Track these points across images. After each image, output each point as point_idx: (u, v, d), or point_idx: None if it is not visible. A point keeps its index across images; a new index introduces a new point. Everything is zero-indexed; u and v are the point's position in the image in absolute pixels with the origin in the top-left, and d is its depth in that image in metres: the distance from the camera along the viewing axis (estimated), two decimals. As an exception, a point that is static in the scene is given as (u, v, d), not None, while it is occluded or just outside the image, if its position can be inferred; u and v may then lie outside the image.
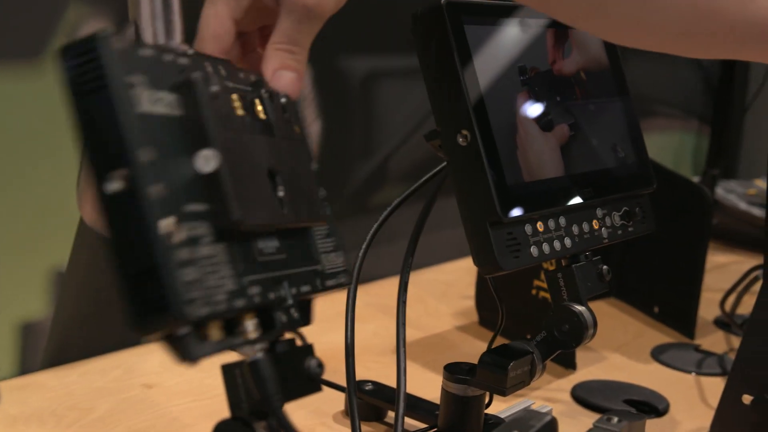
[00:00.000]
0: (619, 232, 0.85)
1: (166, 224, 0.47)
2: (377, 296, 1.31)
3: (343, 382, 0.91)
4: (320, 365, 0.58)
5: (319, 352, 1.10)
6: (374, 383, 0.99)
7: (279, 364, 0.55)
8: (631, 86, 0.90)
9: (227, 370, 0.56)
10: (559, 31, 0.83)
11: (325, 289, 0.61)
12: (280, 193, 0.56)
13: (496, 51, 0.76)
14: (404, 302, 0.89)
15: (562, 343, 0.80)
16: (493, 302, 0.85)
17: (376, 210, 1.08)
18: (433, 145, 0.76)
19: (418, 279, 1.45)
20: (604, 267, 0.82)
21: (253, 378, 0.53)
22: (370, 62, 1.33)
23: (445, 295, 1.40)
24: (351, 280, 0.65)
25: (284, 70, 0.62)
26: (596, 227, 0.82)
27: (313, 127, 1.28)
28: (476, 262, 0.74)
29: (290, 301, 0.56)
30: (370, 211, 1.41)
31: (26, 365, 1.03)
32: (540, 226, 0.76)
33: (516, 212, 0.73)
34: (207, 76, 0.53)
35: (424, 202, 0.82)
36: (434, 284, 1.45)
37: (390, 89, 1.36)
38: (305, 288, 0.58)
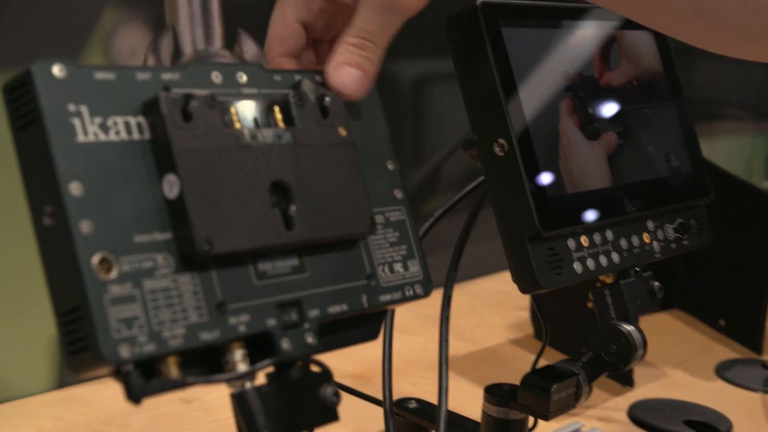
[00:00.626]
0: (673, 245, 0.79)
1: (96, 260, 0.45)
2: (430, 308, 1.26)
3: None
4: (336, 394, 0.54)
5: (366, 364, 1.07)
6: (418, 401, 0.95)
7: (291, 393, 0.52)
8: (696, 88, 0.85)
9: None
10: (608, 34, 0.78)
11: (379, 304, 0.57)
12: (292, 208, 0.52)
13: (537, 55, 0.71)
14: (447, 318, 0.86)
15: (610, 364, 0.75)
16: (550, 315, 0.81)
17: (428, 219, 1.04)
18: (470, 155, 0.72)
19: (472, 289, 1.41)
20: (656, 283, 0.77)
21: (240, 412, 0.50)
22: (420, 66, 1.29)
23: (500, 306, 1.35)
24: (429, 290, 0.61)
25: (349, 66, 0.57)
26: (647, 241, 0.77)
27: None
28: (514, 279, 0.69)
29: (307, 325, 0.53)
30: (422, 219, 1.37)
31: (63, 379, 1.01)
32: (584, 240, 0.72)
33: (557, 226, 0.69)
34: (176, 96, 0.50)
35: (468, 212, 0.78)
36: (489, 294, 1.40)
37: (442, 94, 1.32)
38: (336, 308, 0.55)
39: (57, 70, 0.47)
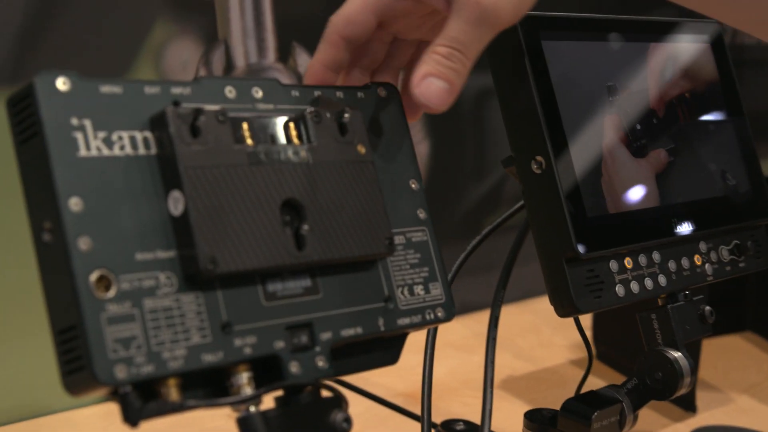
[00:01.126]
0: (728, 268, 0.76)
1: (94, 277, 0.44)
2: (485, 324, 1.24)
3: (439, 418, 0.85)
4: (347, 420, 0.52)
5: (417, 383, 1.05)
6: (466, 423, 0.93)
7: (299, 418, 0.50)
8: (759, 101, 0.81)
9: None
10: (659, 47, 0.75)
11: (397, 328, 0.55)
12: (304, 227, 0.51)
13: (580, 69, 0.69)
14: (494, 338, 0.83)
15: (655, 392, 0.72)
16: (612, 335, 0.78)
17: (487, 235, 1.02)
18: (510, 172, 0.69)
19: (536, 307, 1.38)
20: (707, 308, 0.74)
21: None
22: (482, 78, 1.27)
23: (562, 326, 1.31)
24: (451, 314, 0.59)
25: (435, 78, 0.54)
26: (698, 263, 0.73)
27: (421, 147, 1.22)
28: (551, 301, 0.67)
29: (318, 349, 0.51)
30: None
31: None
32: (628, 262, 0.69)
33: (597, 247, 0.66)
34: (184, 110, 0.48)
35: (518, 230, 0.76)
36: (551, 312, 1.36)
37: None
38: (350, 331, 0.53)
39: (61, 82, 0.46)
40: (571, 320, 1.36)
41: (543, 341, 1.27)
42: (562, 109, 0.66)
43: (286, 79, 1.03)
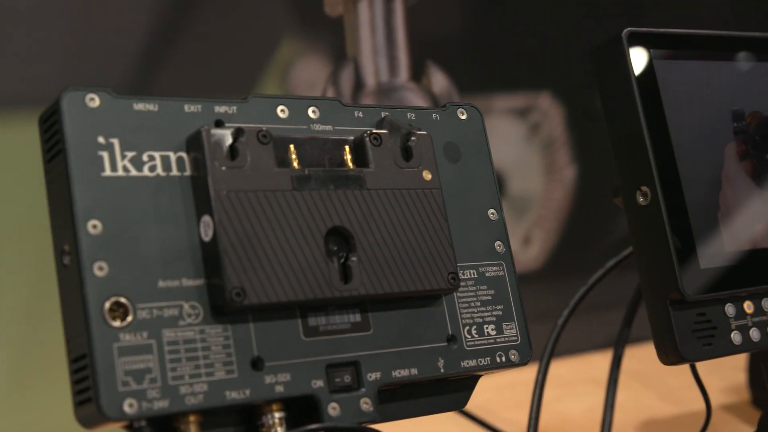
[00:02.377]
0: None
1: (108, 305, 0.42)
2: (638, 361, 1.17)
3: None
4: (393, 469, 0.48)
5: (550, 420, 0.99)
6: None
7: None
8: None
9: None
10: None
11: (460, 371, 0.51)
12: (352, 258, 0.47)
13: (698, 91, 0.62)
14: (615, 380, 0.78)
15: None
16: None
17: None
18: (618, 203, 0.63)
19: (692, 345, 1.29)
20: None
21: None
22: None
23: (718, 366, 1.23)
24: (527, 357, 0.54)
25: None
26: (837, 310, 0.65)
27: (567, 172, 1.16)
28: (655, 346, 0.61)
29: (363, 390, 0.47)
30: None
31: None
32: (748, 306, 0.62)
33: (708, 289, 0.59)
34: (221, 131, 0.46)
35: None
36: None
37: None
38: (402, 372, 0.49)
39: (89, 99, 0.44)
40: (725, 361, 1.27)
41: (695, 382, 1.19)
42: (674, 135, 0.60)
43: (418, 99, 1.00)
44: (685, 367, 1.24)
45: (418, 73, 1.01)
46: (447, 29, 1.05)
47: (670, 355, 0.59)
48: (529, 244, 1.13)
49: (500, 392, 1.06)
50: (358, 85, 0.97)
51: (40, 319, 0.83)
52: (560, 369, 1.29)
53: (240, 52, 0.92)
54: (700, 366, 1.24)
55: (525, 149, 1.11)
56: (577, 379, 0.82)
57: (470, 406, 0.89)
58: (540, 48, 1.09)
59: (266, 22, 0.94)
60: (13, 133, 0.79)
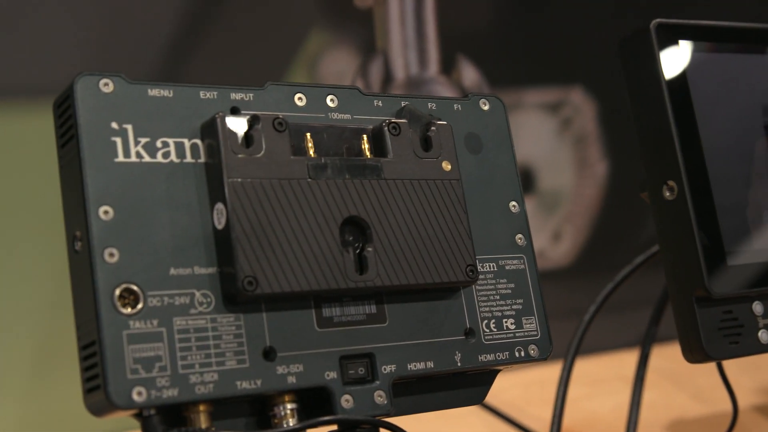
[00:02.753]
0: None
1: (118, 292, 0.41)
2: (670, 360, 1.15)
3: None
4: (406, 464, 0.47)
5: (578, 418, 0.99)
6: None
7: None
8: None
9: None
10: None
11: (478, 365, 0.50)
12: (368, 249, 0.47)
13: (729, 85, 0.61)
14: (642, 379, 0.77)
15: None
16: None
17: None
18: (645, 198, 0.62)
19: (725, 345, 1.27)
20: None
21: None
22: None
23: (751, 365, 1.21)
24: (546, 352, 0.53)
25: None
26: None
27: (599, 167, 1.15)
28: (680, 343, 0.60)
29: (377, 383, 0.47)
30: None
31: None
32: (777, 305, 0.60)
33: (735, 287, 0.58)
34: (237, 117, 0.45)
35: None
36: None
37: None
38: (418, 365, 0.48)
39: (103, 84, 0.44)
40: (760, 360, 1.25)
41: (732, 382, 1.17)
42: (703, 129, 0.59)
43: (448, 93, 0.99)
44: (716, 366, 1.22)
45: (448, 67, 1.01)
46: (478, 22, 1.04)
47: (695, 353, 0.58)
48: (560, 240, 1.12)
49: (528, 389, 1.05)
50: (388, 78, 0.96)
51: (65, 308, 0.83)
52: (590, 366, 1.27)
53: (268, 43, 0.92)
54: (732, 365, 1.23)
55: (556, 144, 1.10)
56: (606, 377, 0.81)
57: (497, 403, 0.88)
58: (572, 41, 1.08)
59: (295, 13, 0.94)
60: (38, 122, 0.79)
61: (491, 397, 0.92)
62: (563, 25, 1.09)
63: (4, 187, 0.82)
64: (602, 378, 1.07)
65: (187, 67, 0.89)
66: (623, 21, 1.09)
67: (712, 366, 1.21)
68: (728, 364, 1.22)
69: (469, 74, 1.02)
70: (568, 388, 0.76)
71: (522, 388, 1.05)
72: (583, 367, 1.15)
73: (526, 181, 1.09)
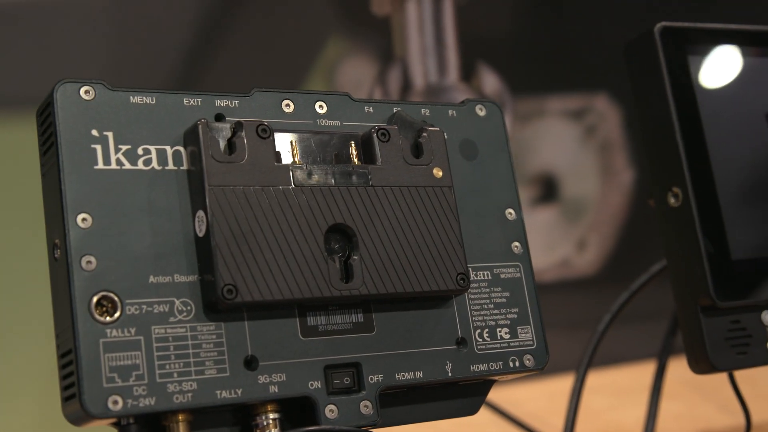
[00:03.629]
0: None
1: (95, 300, 0.41)
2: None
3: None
4: (393, 476, 0.47)
5: (601, 429, 0.97)
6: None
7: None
8: None
9: None
10: None
11: (469, 375, 0.49)
12: (354, 257, 0.46)
13: (736, 88, 0.60)
14: (659, 389, 0.75)
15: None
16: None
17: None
18: (653, 204, 0.61)
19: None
20: None
21: None
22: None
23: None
24: (542, 362, 0.52)
25: None
26: None
27: (624, 176, 1.13)
28: (686, 354, 0.58)
29: (364, 393, 0.46)
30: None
31: None
32: (788, 315, 0.59)
33: (742, 295, 0.57)
34: (219, 124, 0.45)
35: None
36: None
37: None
38: (407, 375, 0.47)
39: (84, 92, 0.44)
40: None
41: (759, 393, 1.14)
42: (709, 134, 0.58)
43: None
44: (746, 377, 1.20)
45: (468, 74, 1.00)
46: (498, 28, 1.03)
47: (700, 363, 0.57)
48: (584, 249, 1.10)
49: (551, 400, 1.04)
50: (406, 85, 0.96)
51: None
52: (615, 377, 1.26)
53: (285, 51, 0.92)
54: (760, 375, 1.20)
55: (580, 152, 1.09)
56: (632, 387, 0.79)
57: (520, 413, 0.87)
58: (596, 47, 1.07)
59: (312, 21, 0.93)
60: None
61: (514, 407, 0.91)
62: (586, 30, 1.08)
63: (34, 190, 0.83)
64: (628, 389, 1.06)
65: (204, 76, 0.89)
66: (649, 25, 1.08)
67: (742, 377, 1.19)
68: (761, 376, 1.20)
69: (490, 81, 1.01)
70: (584, 398, 0.75)
71: (546, 400, 1.03)
72: (609, 377, 1.13)
73: (550, 189, 1.08)
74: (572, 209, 1.09)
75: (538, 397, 1.05)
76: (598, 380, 1.04)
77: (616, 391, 1.09)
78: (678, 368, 0.74)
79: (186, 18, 0.88)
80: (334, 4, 0.95)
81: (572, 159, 1.08)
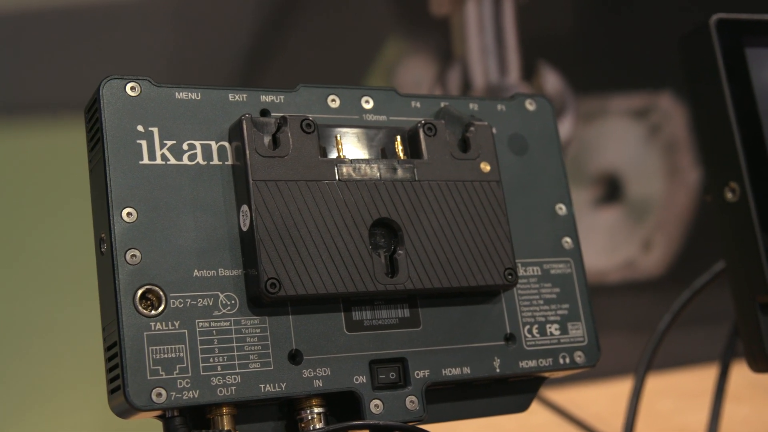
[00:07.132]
0: None
1: (139, 293, 0.42)
2: (769, 373, 1.11)
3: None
4: (439, 471, 0.46)
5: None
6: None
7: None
8: None
9: None
10: None
11: (518, 371, 0.49)
12: (399, 252, 0.46)
13: (796, 81, 0.58)
14: (721, 390, 0.74)
15: None
16: None
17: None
18: (709, 200, 0.60)
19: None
20: None
21: None
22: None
23: None
24: (594, 359, 0.51)
25: None
26: None
27: (691, 175, 1.12)
28: (744, 352, 0.57)
29: (410, 388, 0.46)
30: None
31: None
32: None
33: (802, 292, 0.55)
34: (263, 119, 0.45)
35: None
36: None
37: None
38: (454, 371, 0.47)
39: (130, 88, 0.44)
40: None
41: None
42: (767, 128, 0.56)
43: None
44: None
45: (529, 73, 0.99)
46: (559, 27, 1.02)
47: (759, 362, 0.55)
48: (650, 249, 1.09)
49: (614, 402, 1.02)
50: (467, 85, 0.96)
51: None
52: (681, 380, 1.23)
53: (344, 52, 0.92)
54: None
55: (644, 151, 1.07)
56: (698, 390, 0.78)
57: (584, 415, 0.86)
58: (658, 44, 1.05)
59: (371, 21, 0.94)
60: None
61: (577, 408, 0.90)
62: (649, 27, 1.06)
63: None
64: (693, 391, 1.04)
65: (264, 76, 0.90)
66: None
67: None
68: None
69: (551, 80, 1.00)
70: (649, 401, 0.74)
71: (608, 401, 1.02)
72: (674, 380, 1.11)
73: (614, 189, 1.06)
74: (637, 209, 1.07)
75: (600, 399, 1.03)
76: (663, 383, 1.03)
77: (682, 394, 1.07)
78: (745, 370, 0.72)
79: (246, 20, 0.89)
80: (393, 4, 0.95)
81: (636, 159, 1.06)
